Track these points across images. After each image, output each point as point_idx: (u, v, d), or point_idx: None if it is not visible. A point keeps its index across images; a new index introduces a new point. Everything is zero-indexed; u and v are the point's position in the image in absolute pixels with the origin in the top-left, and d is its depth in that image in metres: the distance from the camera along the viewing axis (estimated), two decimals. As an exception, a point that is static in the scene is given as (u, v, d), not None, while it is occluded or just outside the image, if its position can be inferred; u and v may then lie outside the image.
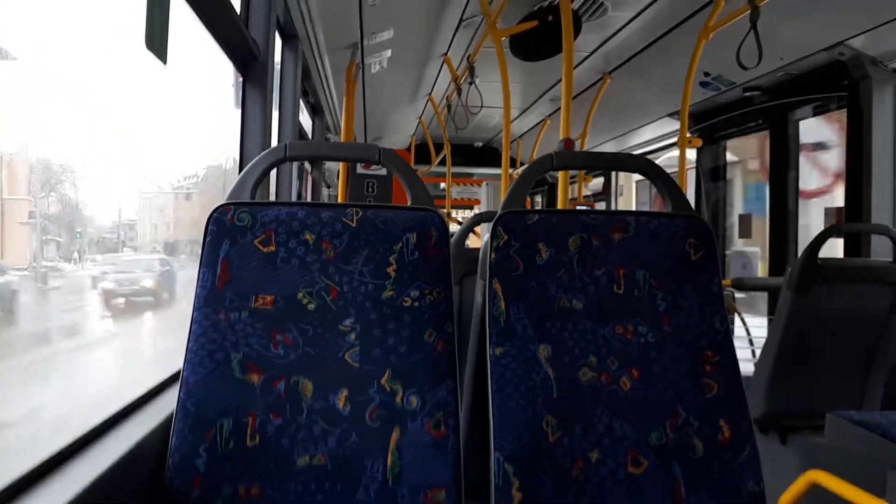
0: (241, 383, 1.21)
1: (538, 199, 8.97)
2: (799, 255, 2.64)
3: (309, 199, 4.56)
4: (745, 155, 6.19)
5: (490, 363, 1.28)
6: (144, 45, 1.23)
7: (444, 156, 6.71)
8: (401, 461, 1.21)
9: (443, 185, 7.42)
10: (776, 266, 3.92)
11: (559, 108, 2.83)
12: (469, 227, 2.90)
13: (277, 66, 2.63)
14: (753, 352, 3.71)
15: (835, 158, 4.79)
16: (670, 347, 1.32)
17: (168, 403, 1.29)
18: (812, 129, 4.29)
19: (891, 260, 2.64)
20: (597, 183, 6.99)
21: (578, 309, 1.33)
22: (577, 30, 3.30)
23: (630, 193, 7.97)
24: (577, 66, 4.27)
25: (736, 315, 3.87)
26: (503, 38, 3.50)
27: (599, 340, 1.32)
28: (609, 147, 5.99)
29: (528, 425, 1.25)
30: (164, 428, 1.21)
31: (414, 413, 1.23)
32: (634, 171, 1.50)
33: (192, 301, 1.25)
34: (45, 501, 0.90)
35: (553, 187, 7.91)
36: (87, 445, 1.09)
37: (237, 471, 1.18)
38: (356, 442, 1.21)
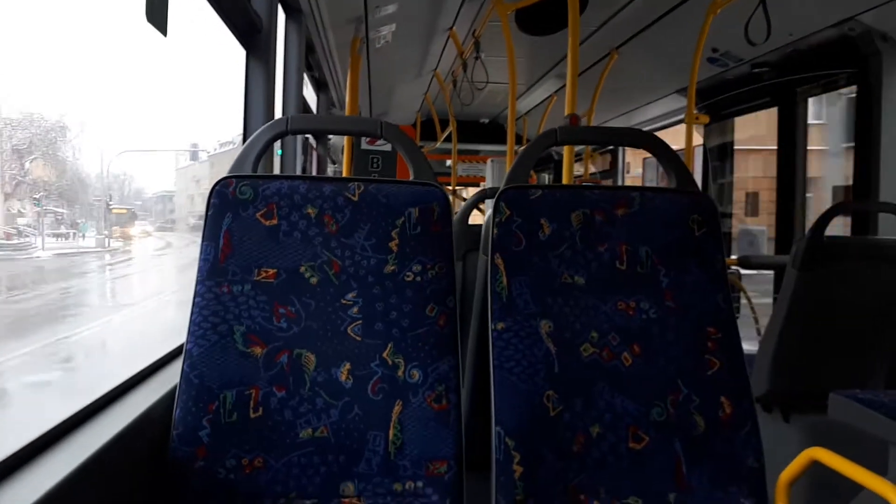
0: (244, 356, 1.22)
1: (545, 176, 8.93)
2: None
3: (314, 174, 4.53)
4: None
5: (491, 338, 1.28)
6: (145, 18, 1.22)
7: (450, 132, 6.67)
8: (402, 434, 1.22)
9: (448, 161, 7.39)
10: (783, 244, 3.90)
11: (566, 85, 2.81)
12: (473, 204, 2.88)
13: (281, 41, 2.60)
14: (758, 330, 3.70)
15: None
16: (672, 323, 1.32)
17: (172, 376, 1.30)
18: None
19: None
20: (604, 161, 6.95)
21: (580, 284, 1.33)
22: (583, 4, 3.26)
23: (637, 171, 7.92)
24: (584, 41, 4.22)
25: (741, 293, 3.86)
26: (509, 13, 3.45)
27: (601, 316, 1.32)
28: (616, 124, 5.95)
29: (529, 400, 1.25)
30: (167, 400, 1.22)
31: (415, 387, 1.23)
32: (639, 147, 1.49)
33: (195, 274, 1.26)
34: (51, 470, 0.91)
35: (560, 164, 7.86)
36: (91, 416, 1.10)
37: (240, 442, 1.19)
38: (358, 415, 1.22)
